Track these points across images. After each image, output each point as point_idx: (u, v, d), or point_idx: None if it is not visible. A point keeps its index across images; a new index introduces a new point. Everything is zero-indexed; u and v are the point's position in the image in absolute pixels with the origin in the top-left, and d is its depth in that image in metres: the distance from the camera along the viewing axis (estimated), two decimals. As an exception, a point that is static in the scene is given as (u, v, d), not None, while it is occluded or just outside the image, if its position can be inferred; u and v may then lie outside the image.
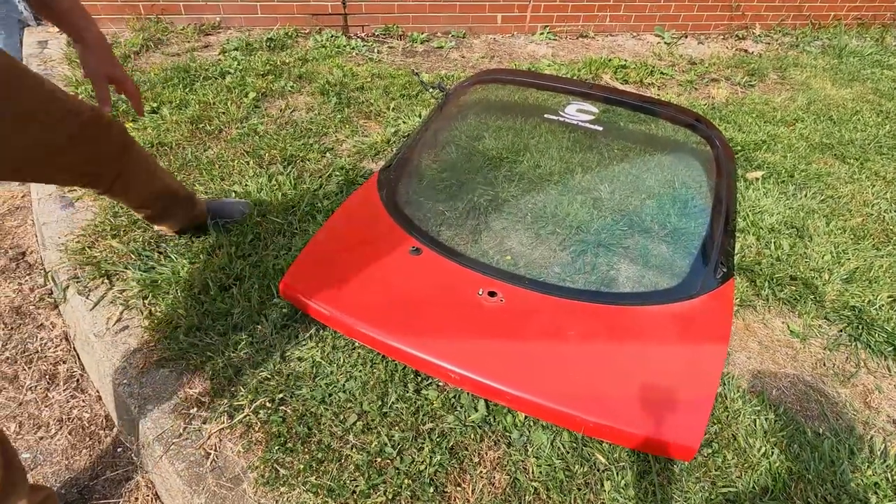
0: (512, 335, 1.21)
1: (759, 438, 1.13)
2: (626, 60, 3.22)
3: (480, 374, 1.10)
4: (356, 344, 1.29)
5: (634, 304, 1.34)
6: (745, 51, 3.70)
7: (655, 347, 1.23)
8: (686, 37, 3.88)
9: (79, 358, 1.43)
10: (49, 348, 1.44)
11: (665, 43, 3.70)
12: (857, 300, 1.48)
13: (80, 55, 1.03)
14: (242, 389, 1.18)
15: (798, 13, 4.12)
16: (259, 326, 1.32)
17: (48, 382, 1.37)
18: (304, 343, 1.29)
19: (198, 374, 1.22)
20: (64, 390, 1.36)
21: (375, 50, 3.04)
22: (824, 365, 1.34)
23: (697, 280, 1.44)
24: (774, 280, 1.53)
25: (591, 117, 1.87)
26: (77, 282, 1.43)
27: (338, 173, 1.88)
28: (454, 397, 1.19)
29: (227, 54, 2.68)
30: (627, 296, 1.44)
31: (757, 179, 2.03)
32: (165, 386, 1.20)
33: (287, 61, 2.65)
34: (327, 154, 1.99)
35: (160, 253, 1.51)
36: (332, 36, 3.06)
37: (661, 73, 3.12)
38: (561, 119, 1.87)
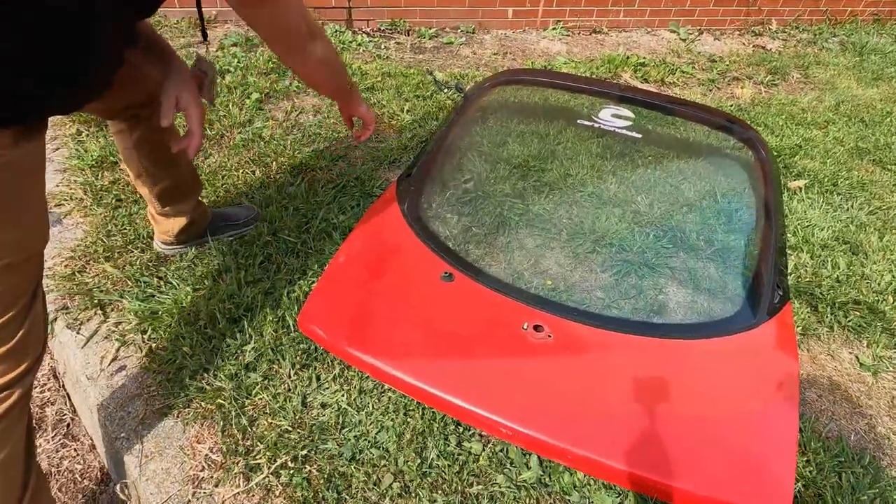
0: (565, 379, 1.06)
1: (846, 498, 1.00)
2: (644, 58, 3.07)
3: (536, 430, 0.96)
4: (385, 386, 1.14)
5: (693, 338, 1.21)
6: (763, 48, 3.57)
7: (725, 390, 1.09)
8: (702, 33, 3.73)
9: (69, 398, 1.27)
10: (35, 387, 1.28)
11: (681, 39, 3.56)
12: (929, 327, 1.35)
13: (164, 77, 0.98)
14: (259, 444, 1.03)
15: (815, 8, 3.99)
16: (275, 366, 1.17)
17: (35, 428, 1.21)
18: (326, 386, 1.14)
19: (207, 425, 1.07)
20: (53, 437, 1.21)
21: (382, 46, 2.87)
22: (902, 403, 1.22)
23: (756, 305, 1.31)
24: (837, 305, 1.40)
25: (629, 123, 1.72)
26: (66, 313, 1.27)
27: (353, 183, 1.72)
28: (501, 451, 1.05)
29: (225, 50, 2.50)
30: (685, 328, 1.30)
31: (800, 189, 1.90)
32: (170, 440, 1.05)
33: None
34: (339, 162, 1.83)
35: (160, 278, 1.35)
36: (336, 31, 2.88)
37: (682, 71, 2.98)
38: (596, 125, 1.72)
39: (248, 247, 1.44)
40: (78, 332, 1.23)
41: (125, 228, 1.48)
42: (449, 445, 1.04)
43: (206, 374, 1.14)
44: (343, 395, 1.11)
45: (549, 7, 3.38)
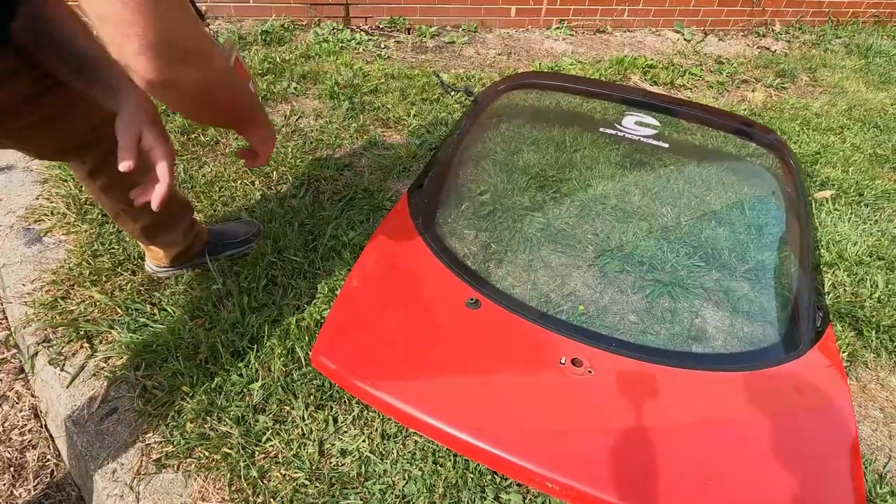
0: (610, 422, 0.97)
1: (921, 550, 0.92)
2: (651, 60, 2.98)
3: (589, 486, 0.86)
4: (410, 430, 1.03)
5: (742, 369, 1.12)
6: (768, 49, 3.51)
7: (782, 430, 1.00)
8: (706, 34, 3.66)
9: (52, 441, 1.14)
10: (14, 428, 1.15)
11: (685, 40, 3.49)
12: (977, 352, 1.28)
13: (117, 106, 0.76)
14: (273, 501, 0.91)
15: (818, 9, 3.94)
16: (286, 407, 1.05)
17: (13, 476, 1.08)
18: (345, 430, 1.02)
19: (212, 479, 0.95)
20: (34, 487, 1.07)
21: (382, 45, 2.74)
22: (958, 436, 1.14)
23: (800, 330, 1.23)
24: (882, 328, 1.32)
25: (654, 132, 1.62)
26: (49, 347, 1.14)
27: (361, 195, 1.60)
28: (543, 503, 0.94)
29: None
30: (732, 358, 1.21)
31: (827, 200, 1.83)
32: (170, 496, 0.93)
33: (287, 58, 2.34)
34: (345, 171, 1.71)
35: (153, 305, 1.22)
36: (333, 29, 2.74)
37: (691, 73, 2.90)
38: (620, 133, 1.63)
39: (251, 268, 1.32)
40: (62, 369, 1.10)
41: (113, 247, 1.35)
42: (486, 499, 0.93)
43: (209, 418, 1.02)
44: (364, 441, 1.00)
45: (553, 6, 3.27)
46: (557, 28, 3.31)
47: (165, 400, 1.04)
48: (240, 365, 1.10)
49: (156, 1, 0.51)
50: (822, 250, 1.59)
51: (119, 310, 1.20)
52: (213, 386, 1.06)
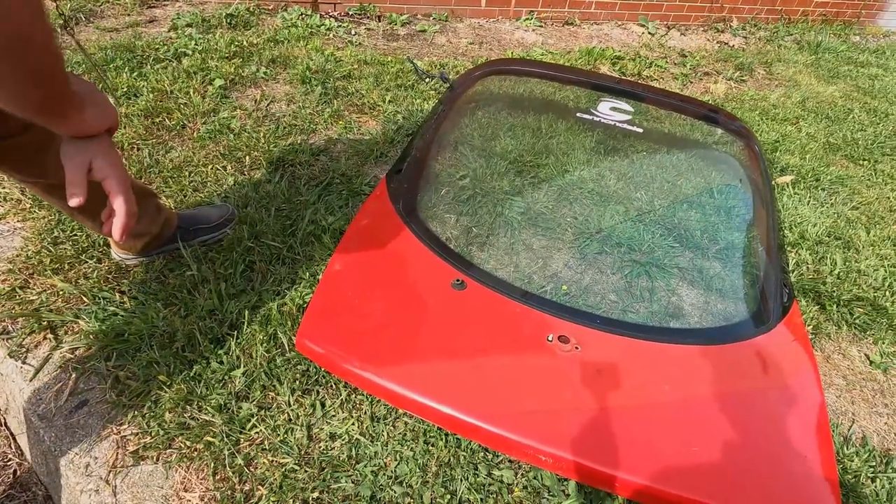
0: (598, 396, 0.98)
1: (885, 504, 0.98)
2: (619, 51, 3.05)
3: (582, 457, 0.87)
4: (400, 410, 1.02)
5: (718, 343, 1.16)
6: (727, 44, 3.65)
7: (756, 400, 1.05)
8: (669, 28, 3.77)
9: (13, 438, 1.07)
10: (-31, 428, 1.07)
11: (650, 33, 3.58)
12: (926, 322, 1.37)
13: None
14: (261, 488, 0.88)
15: (771, 7, 4.12)
16: (271, 393, 1.02)
17: (-29, 478, 1.00)
18: (333, 414, 1.00)
19: (195, 469, 0.91)
20: (-5, 488, 1.01)
21: (353, 31, 2.69)
22: (912, 400, 1.22)
23: (769, 306, 1.29)
24: (842, 302, 1.40)
25: (628, 117, 1.66)
26: (8, 338, 1.06)
27: (338, 180, 1.57)
28: (535, 478, 0.95)
29: (179, 31, 2.25)
30: (709, 333, 1.25)
31: (788, 184, 1.91)
32: (150, 489, 0.88)
33: (255, 42, 2.26)
34: (321, 156, 1.67)
35: (123, 293, 1.16)
36: (302, 14, 2.67)
37: (657, 65, 2.98)
38: (595, 118, 1.65)
39: (227, 253, 1.27)
40: (24, 362, 1.03)
41: (75, 234, 1.27)
42: (479, 476, 0.93)
43: (189, 407, 0.98)
44: (354, 424, 0.98)
45: (523, -4, 3.30)
46: (527, 19, 3.33)
47: (141, 390, 0.99)
48: (219, 352, 1.06)
49: None
50: (785, 231, 1.66)
51: (85, 298, 1.13)
52: (191, 374, 1.02)
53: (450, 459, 0.95)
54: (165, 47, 2.06)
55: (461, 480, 0.92)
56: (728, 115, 1.80)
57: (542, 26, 3.34)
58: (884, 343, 1.33)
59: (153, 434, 0.94)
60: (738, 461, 0.92)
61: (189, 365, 1.03)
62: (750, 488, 0.89)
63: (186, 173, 1.50)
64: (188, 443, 0.93)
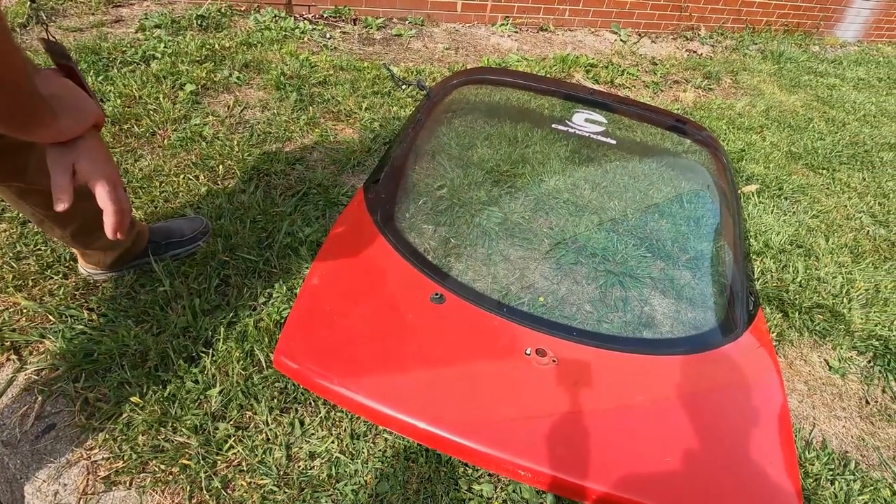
0: (576, 408, 1.00)
1: (843, 505, 1.03)
2: (592, 59, 3.10)
3: (558, 470, 0.89)
4: (380, 427, 1.02)
5: (690, 352, 1.20)
6: (695, 52, 3.75)
7: (725, 409, 1.09)
8: (641, 36, 3.86)
9: (-25, 465, 1.03)
10: (-74, 454, 1.02)
11: (622, 41, 3.65)
12: (880, 328, 1.45)
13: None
14: (240, 511, 0.87)
15: (737, 17, 4.26)
16: (248, 412, 1.00)
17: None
18: (313, 432, 0.99)
19: (170, 493, 0.89)
20: (-45, 517, 0.96)
21: (328, 35, 2.66)
22: (868, 403, 1.29)
23: (736, 315, 1.34)
24: (804, 309, 1.46)
25: (602, 129, 1.69)
26: (-33, 361, 1.02)
27: (315, 190, 1.55)
28: (514, 491, 0.97)
29: (147, 33, 2.19)
30: (681, 343, 1.29)
31: (753, 193, 1.99)
32: (124, 515, 0.86)
33: (227, 45, 2.21)
34: (297, 166, 1.65)
35: (91, 310, 1.12)
36: (275, 16, 2.63)
37: (629, 73, 3.04)
38: (570, 130, 1.68)
39: (201, 267, 1.24)
40: (-15, 385, 0.99)
41: (39, 249, 1.23)
42: (459, 490, 0.94)
43: (163, 429, 0.95)
44: (333, 442, 0.98)
45: (498, 2, 3.32)
46: (503, 25, 3.36)
47: (112, 412, 0.96)
48: (194, 371, 1.04)
49: None
50: (751, 240, 1.73)
51: (51, 317, 1.09)
52: (165, 395, 1.00)
53: (431, 475, 0.95)
54: (133, 49, 2.00)
55: (442, 496, 0.93)
56: (696, 126, 1.86)
57: (517, 32, 3.38)
58: (842, 349, 1.40)
59: (126, 458, 0.91)
60: (709, 470, 0.96)
61: (163, 385, 1.01)
62: (720, 496, 0.92)
63: (157, 183, 1.46)
64: (163, 466, 0.91)
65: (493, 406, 0.97)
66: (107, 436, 0.94)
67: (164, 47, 2.08)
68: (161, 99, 1.78)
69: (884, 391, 1.33)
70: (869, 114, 3.10)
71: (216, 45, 2.18)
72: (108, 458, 0.92)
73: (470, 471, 0.98)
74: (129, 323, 1.09)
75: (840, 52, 4.38)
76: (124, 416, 0.96)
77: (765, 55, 3.86)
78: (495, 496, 0.95)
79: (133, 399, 0.97)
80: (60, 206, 0.67)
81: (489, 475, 0.98)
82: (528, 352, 1.07)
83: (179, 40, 2.18)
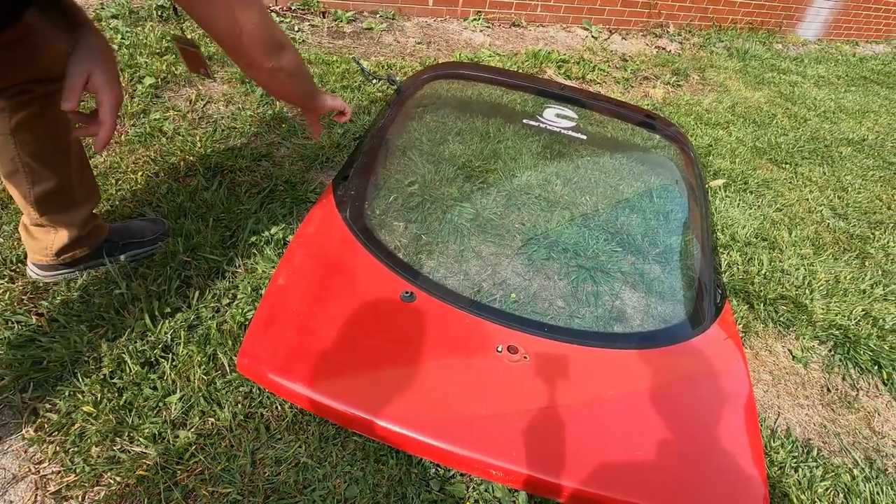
0: (547, 405, 1.00)
1: (806, 493, 1.05)
2: (564, 54, 3.12)
3: (529, 468, 0.88)
4: (350, 430, 1.00)
5: (660, 346, 1.21)
6: (664, 49, 3.82)
7: (694, 401, 1.10)
8: (612, 32, 3.90)
9: (-87, 483, 0.96)
10: None
11: (593, 37, 3.68)
12: (840, 318, 1.49)
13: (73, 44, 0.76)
14: (201, 522, 0.84)
15: (704, 14, 4.35)
16: (211, 419, 0.96)
17: None
18: (279, 437, 0.96)
19: (127, 506, 0.85)
20: None
21: (296, 28, 2.60)
22: (829, 391, 1.33)
23: (705, 307, 1.36)
24: (768, 301, 1.50)
25: (573, 124, 1.70)
26: None
27: (282, 187, 1.51)
28: (487, 490, 0.96)
29: (104, 23, 2.09)
30: (651, 336, 1.30)
31: (720, 188, 2.03)
32: (76, 532, 0.82)
33: (189, 37, 2.12)
34: (263, 162, 1.60)
35: (41, 315, 1.06)
36: (241, 8, 2.54)
37: (600, 69, 3.07)
38: (542, 125, 1.68)
39: (160, 268, 1.19)
40: (-78, 398, 0.92)
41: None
42: (431, 492, 0.93)
43: (118, 439, 0.91)
44: (301, 446, 0.95)
45: (470, -3, 3.30)
46: (475, 19, 3.34)
47: (63, 423, 0.91)
48: (153, 377, 1.00)
49: (262, 13, 0.77)
50: (718, 233, 1.76)
51: (-4, 323, 1.03)
52: (121, 403, 0.95)
53: (401, 477, 0.94)
54: (87, 41, 1.91)
55: (413, 499, 0.91)
56: (665, 121, 1.88)
57: (489, 27, 3.36)
58: (804, 339, 1.43)
59: (78, 471, 0.87)
60: (678, 461, 0.97)
61: (118, 393, 0.96)
62: (689, 487, 0.93)
63: (113, 181, 1.39)
64: (118, 478, 0.87)
65: (464, 405, 0.95)
66: (57, 448, 0.89)
67: (122, 38, 1.99)
68: (118, 92, 1.70)
69: (843, 379, 1.37)
70: (829, 110, 3.21)
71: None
72: (59, 472, 0.87)
73: (442, 471, 0.96)
74: (81, 328, 1.04)
75: (802, 50, 4.52)
76: (76, 426, 0.91)
77: (731, 52, 3.95)
78: (467, 496, 0.94)
79: (86, 409, 0.92)
80: (67, 105, 0.74)
81: (461, 475, 0.97)
82: (499, 349, 1.06)
83: (138, 31, 2.09)
